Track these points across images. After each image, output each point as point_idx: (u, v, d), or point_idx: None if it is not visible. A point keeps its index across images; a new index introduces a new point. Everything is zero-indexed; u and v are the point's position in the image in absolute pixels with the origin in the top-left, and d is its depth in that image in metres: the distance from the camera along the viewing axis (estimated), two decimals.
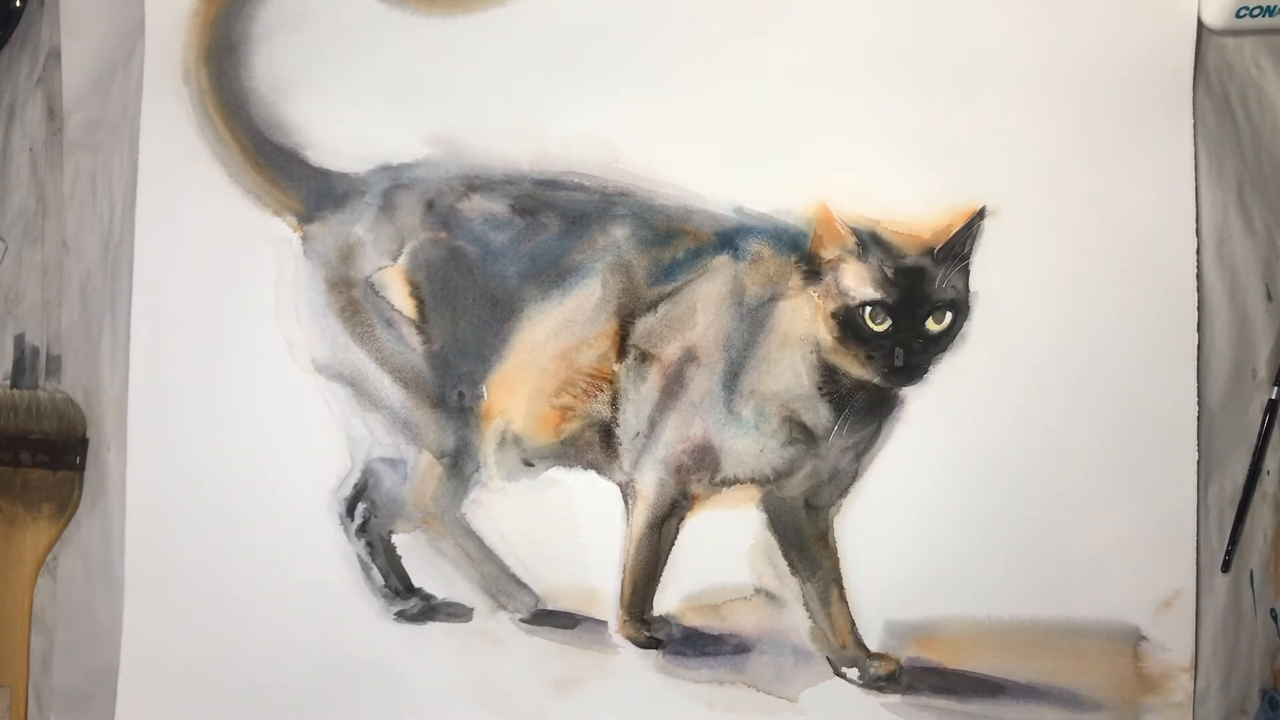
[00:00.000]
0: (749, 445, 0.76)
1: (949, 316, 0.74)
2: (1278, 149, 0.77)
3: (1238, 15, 0.74)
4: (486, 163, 0.79)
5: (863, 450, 0.76)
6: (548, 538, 0.78)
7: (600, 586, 0.78)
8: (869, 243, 0.75)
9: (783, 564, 0.77)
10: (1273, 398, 0.76)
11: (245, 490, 0.79)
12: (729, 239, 0.77)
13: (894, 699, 0.76)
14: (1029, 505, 0.76)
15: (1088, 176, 0.76)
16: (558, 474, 0.78)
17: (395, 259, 0.78)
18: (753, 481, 0.77)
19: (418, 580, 0.79)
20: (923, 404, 0.76)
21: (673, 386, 0.77)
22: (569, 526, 0.78)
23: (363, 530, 0.79)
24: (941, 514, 0.76)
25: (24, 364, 0.82)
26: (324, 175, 0.79)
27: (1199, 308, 0.75)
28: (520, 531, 0.78)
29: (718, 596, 0.78)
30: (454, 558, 0.79)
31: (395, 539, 0.79)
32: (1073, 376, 0.76)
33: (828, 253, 0.75)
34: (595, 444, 0.78)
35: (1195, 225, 0.76)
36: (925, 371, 0.75)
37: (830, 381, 0.76)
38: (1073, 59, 0.76)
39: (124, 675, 0.80)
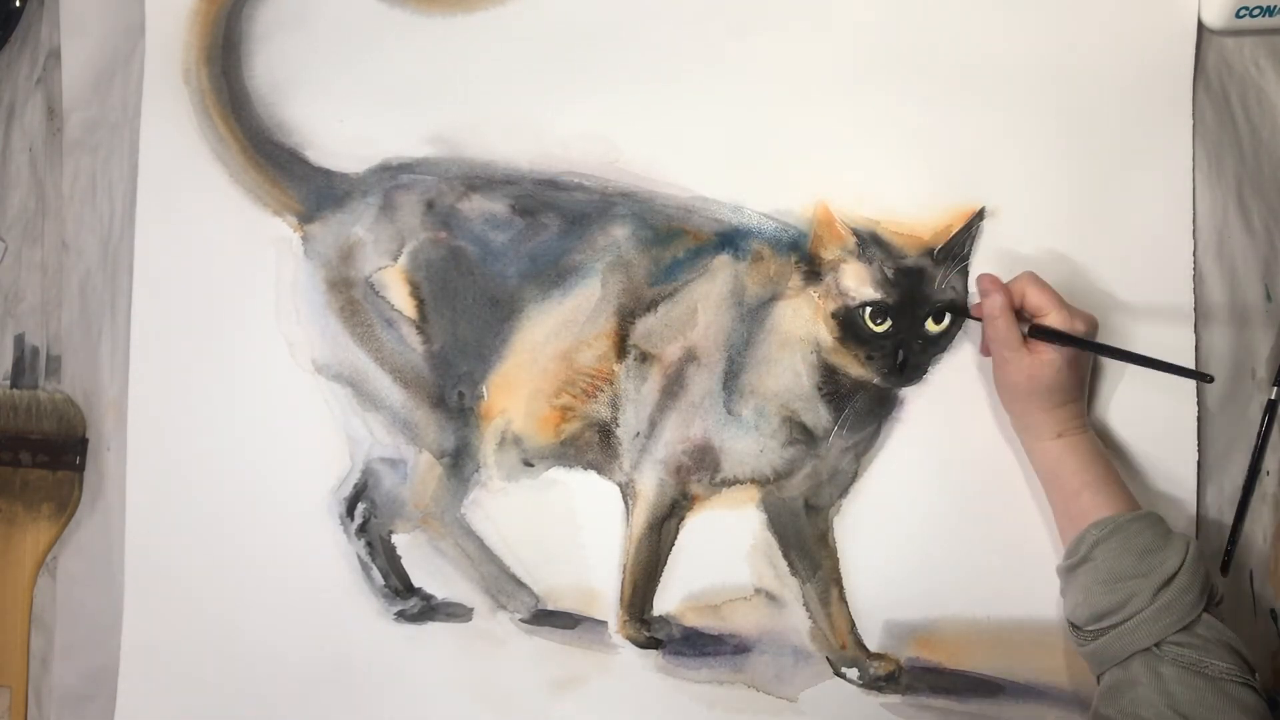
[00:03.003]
0: (749, 445, 0.76)
1: (949, 317, 0.74)
2: (1277, 149, 0.77)
3: (1238, 15, 0.74)
4: (486, 163, 0.79)
5: (862, 450, 0.76)
6: (548, 538, 0.78)
7: (600, 587, 0.78)
8: (869, 243, 0.75)
9: (783, 564, 0.77)
10: (1272, 398, 0.76)
11: (245, 490, 0.79)
12: (729, 239, 0.77)
13: (894, 699, 0.76)
14: (1029, 505, 0.76)
15: (1087, 176, 0.76)
16: (558, 474, 0.78)
17: (395, 259, 0.78)
18: (753, 481, 0.77)
19: (418, 580, 0.79)
20: (922, 404, 0.76)
21: (673, 387, 0.77)
22: (569, 527, 0.78)
23: (363, 530, 0.79)
24: (941, 514, 0.76)
25: (24, 364, 0.82)
26: (324, 175, 0.79)
27: (1198, 308, 0.75)
28: (520, 531, 0.78)
29: (718, 596, 0.78)
30: (454, 558, 0.79)
31: (395, 539, 0.79)
32: None
33: (828, 253, 0.75)
34: (595, 444, 0.78)
35: (1194, 225, 0.76)
36: (925, 372, 0.75)
37: (830, 382, 0.76)
38: (1073, 59, 0.76)
39: (124, 675, 0.80)
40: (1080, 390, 0.72)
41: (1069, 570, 0.69)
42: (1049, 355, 0.69)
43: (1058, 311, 0.70)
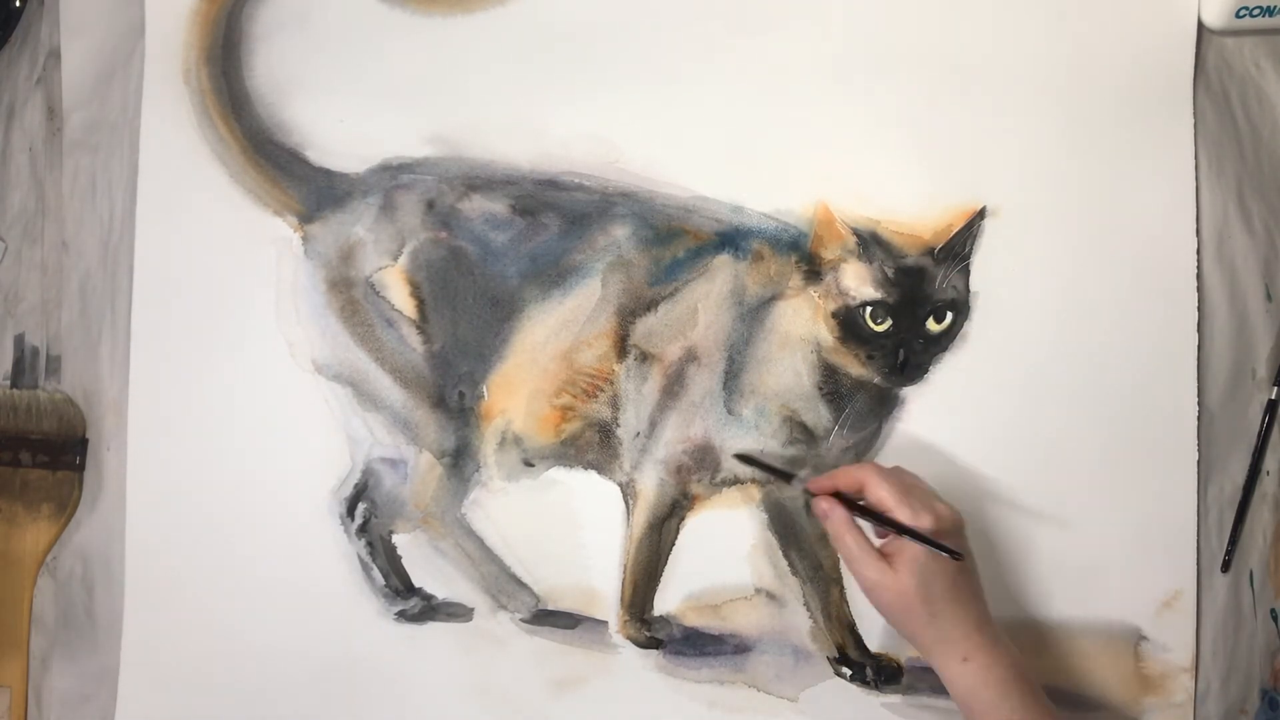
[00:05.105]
0: (749, 445, 0.76)
1: (950, 316, 0.74)
2: (1278, 149, 0.77)
3: (1238, 15, 0.74)
4: (487, 162, 0.79)
5: (863, 450, 0.76)
6: (548, 538, 0.78)
7: (601, 586, 0.78)
8: (870, 243, 0.75)
9: (783, 564, 0.77)
10: (1272, 398, 0.76)
11: (245, 490, 0.79)
12: (729, 239, 0.77)
13: (894, 699, 0.76)
14: (1029, 505, 0.76)
15: (1088, 176, 0.76)
16: (558, 474, 0.78)
17: (395, 259, 0.78)
18: (753, 481, 0.77)
19: (418, 580, 0.79)
20: (923, 404, 0.76)
21: (673, 386, 0.77)
22: (569, 526, 0.78)
23: (363, 530, 0.79)
24: None
25: (24, 364, 0.82)
26: (325, 175, 0.79)
27: (1199, 308, 0.76)
28: (520, 531, 0.78)
29: (718, 596, 0.78)
30: (454, 558, 0.79)
31: (395, 539, 0.79)
32: (1073, 377, 0.76)
33: (828, 253, 0.76)
34: (595, 444, 0.78)
35: (1195, 225, 0.76)
36: (926, 371, 0.75)
37: (830, 381, 0.76)
38: (1073, 59, 0.76)
39: (124, 675, 0.80)
40: (974, 603, 0.65)
41: None
42: (907, 560, 0.63)
43: (900, 507, 0.65)
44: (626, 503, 0.78)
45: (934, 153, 0.77)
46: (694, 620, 0.78)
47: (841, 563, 0.76)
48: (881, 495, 0.66)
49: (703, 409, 0.77)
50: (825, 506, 0.68)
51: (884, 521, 0.66)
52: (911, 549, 0.64)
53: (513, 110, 0.79)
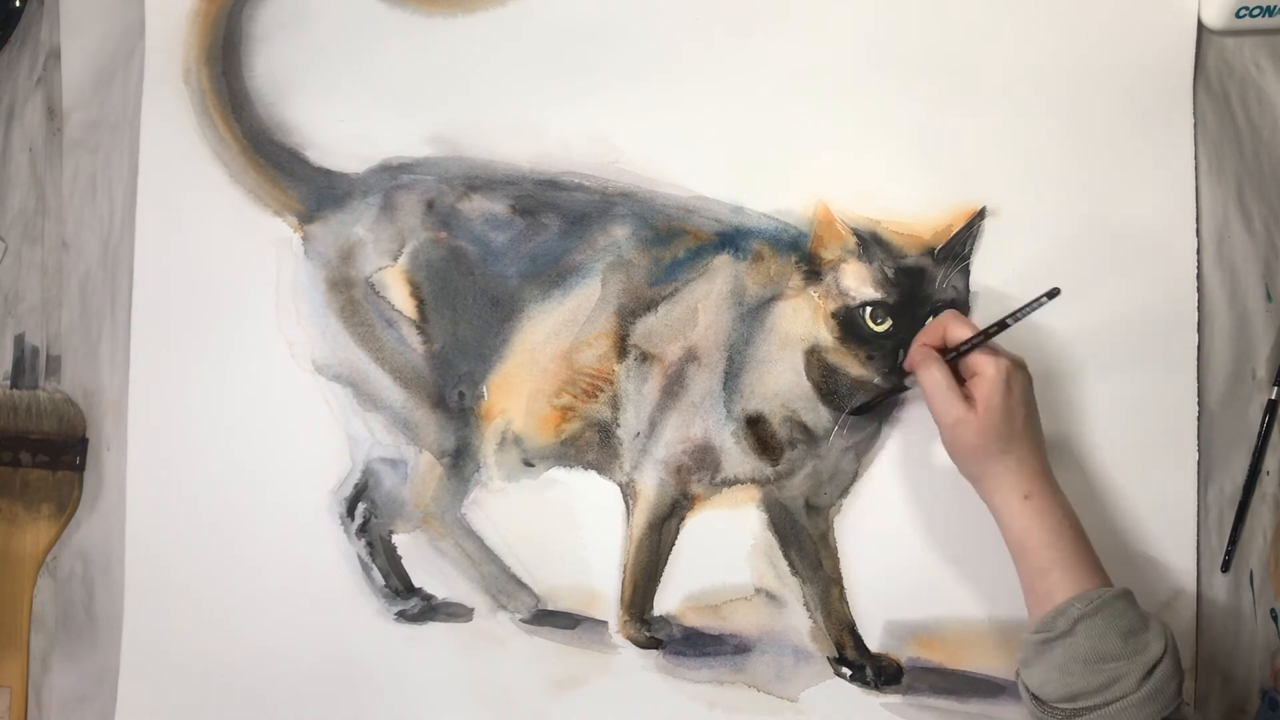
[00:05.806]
0: (748, 446, 0.76)
1: None
2: (1278, 149, 0.77)
3: (1238, 15, 0.74)
4: (487, 162, 0.79)
5: (863, 450, 0.76)
6: (548, 538, 0.78)
7: (601, 587, 0.78)
8: (870, 243, 0.75)
9: (783, 564, 0.77)
10: (1273, 398, 0.76)
11: (245, 490, 0.79)
12: (729, 239, 0.77)
13: (894, 699, 0.76)
14: None
15: (1088, 176, 0.76)
16: (558, 474, 0.78)
17: (395, 259, 0.78)
18: (753, 482, 0.77)
19: (418, 580, 0.79)
20: (923, 404, 0.76)
21: (673, 386, 0.77)
22: (569, 526, 0.78)
23: (363, 530, 0.79)
24: (942, 514, 0.76)
25: (24, 364, 0.82)
26: (325, 175, 0.79)
27: (1199, 308, 0.76)
28: (520, 532, 0.78)
29: (718, 596, 0.78)
30: (454, 558, 0.79)
31: (395, 539, 0.79)
32: (1073, 377, 0.76)
33: (828, 253, 0.76)
34: (595, 444, 0.78)
35: (1195, 225, 0.76)
36: None
37: (830, 381, 0.76)
38: (1073, 59, 0.76)
39: (124, 675, 0.80)
40: (1039, 444, 0.68)
41: (1043, 644, 0.63)
42: (984, 396, 0.65)
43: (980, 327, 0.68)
44: (626, 503, 0.78)
45: (934, 153, 0.77)
46: (694, 620, 0.78)
47: (841, 562, 0.77)
48: (964, 329, 0.68)
49: (703, 409, 0.77)
50: (919, 355, 0.69)
51: (984, 336, 0.67)
52: (988, 387, 0.66)
53: (513, 110, 0.79)
